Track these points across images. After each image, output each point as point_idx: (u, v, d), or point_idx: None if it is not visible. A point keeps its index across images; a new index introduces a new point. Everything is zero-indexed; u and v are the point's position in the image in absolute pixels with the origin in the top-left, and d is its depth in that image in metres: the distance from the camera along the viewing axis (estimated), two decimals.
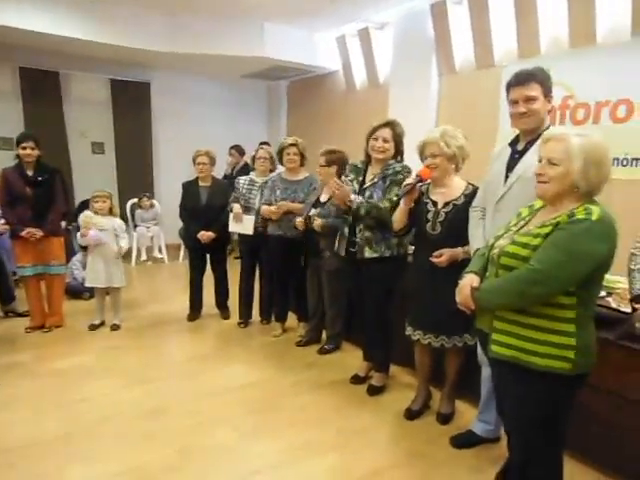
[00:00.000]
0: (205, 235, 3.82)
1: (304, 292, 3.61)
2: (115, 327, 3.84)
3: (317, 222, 3.10)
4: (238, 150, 6.36)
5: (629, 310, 1.99)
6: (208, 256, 4.07)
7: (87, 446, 2.32)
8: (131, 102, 6.44)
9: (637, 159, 3.43)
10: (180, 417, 2.60)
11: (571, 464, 1.65)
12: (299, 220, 3.25)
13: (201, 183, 3.93)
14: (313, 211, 3.23)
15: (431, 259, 2.28)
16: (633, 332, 1.89)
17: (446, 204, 2.33)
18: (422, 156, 2.37)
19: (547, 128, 1.99)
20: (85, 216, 3.62)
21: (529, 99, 1.92)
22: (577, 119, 3.75)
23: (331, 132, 6.07)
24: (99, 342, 3.60)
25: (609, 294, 2.21)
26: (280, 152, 3.56)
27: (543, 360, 1.46)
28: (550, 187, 1.48)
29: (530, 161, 1.89)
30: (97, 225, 3.59)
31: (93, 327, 3.82)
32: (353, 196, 2.65)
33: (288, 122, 7.44)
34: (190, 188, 3.95)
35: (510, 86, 1.99)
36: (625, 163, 3.49)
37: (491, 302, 1.56)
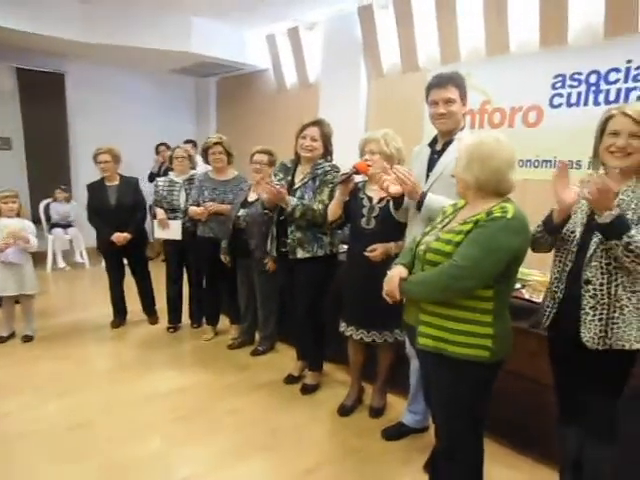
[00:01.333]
0: (121, 237, 3.61)
1: (236, 294, 3.54)
2: (27, 338, 3.53)
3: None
4: (168, 148, 6.10)
5: (540, 300, 2.15)
6: (126, 260, 3.87)
7: (1, 467, 2.12)
8: (43, 94, 5.96)
9: (547, 161, 3.72)
10: (104, 429, 2.45)
11: (491, 446, 1.75)
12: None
13: (108, 183, 3.71)
14: (242, 211, 3.18)
15: (365, 253, 2.33)
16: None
17: (381, 200, 2.39)
18: (361, 153, 2.42)
19: (462, 129, 2.11)
20: (9, 228, 3.29)
21: (448, 101, 2.03)
22: (494, 123, 4.00)
23: (262, 131, 6.01)
24: (9, 356, 3.29)
25: (523, 286, 2.37)
26: (205, 151, 3.44)
27: (464, 349, 1.54)
28: (459, 185, 1.61)
29: (447, 160, 2.00)
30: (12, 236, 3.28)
31: (1, 339, 3.48)
32: (288, 197, 2.64)
33: (218, 120, 7.27)
34: (96, 189, 3.72)
35: (430, 88, 2.09)
36: (537, 165, 3.77)
37: (417, 294, 1.62)
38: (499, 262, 1.49)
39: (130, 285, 3.95)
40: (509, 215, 1.49)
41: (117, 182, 3.73)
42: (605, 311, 1.56)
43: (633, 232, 1.45)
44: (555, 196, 1.62)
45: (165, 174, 3.89)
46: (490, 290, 1.53)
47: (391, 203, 2.22)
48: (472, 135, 1.65)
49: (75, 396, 2.77)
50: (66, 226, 5.87)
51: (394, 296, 1.66)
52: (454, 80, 2.05)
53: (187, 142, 4.72)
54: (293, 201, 2.64)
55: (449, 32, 4.16)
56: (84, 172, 6.32)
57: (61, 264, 5.76)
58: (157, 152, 6.22)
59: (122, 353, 3.47)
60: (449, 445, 1.70)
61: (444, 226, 1.66)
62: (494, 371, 1.61)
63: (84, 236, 5.87)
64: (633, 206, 1.53)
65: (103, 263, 5.79)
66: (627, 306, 1.55)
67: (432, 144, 2.18)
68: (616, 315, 1.55)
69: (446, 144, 2.10)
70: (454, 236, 1.55)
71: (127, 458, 2.22)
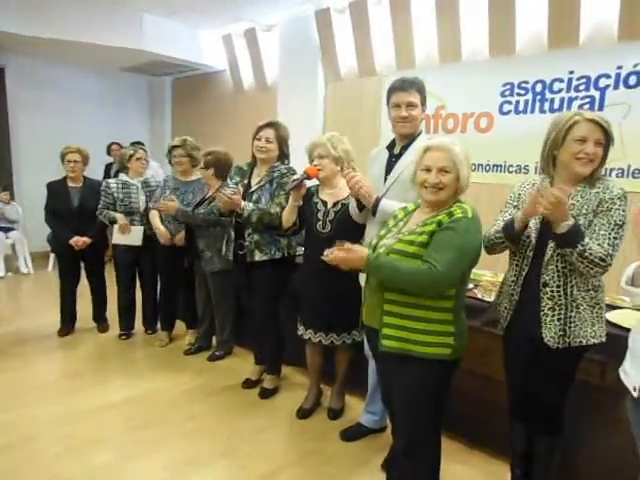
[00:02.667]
0: (80, 241, 3.46)
1: (192, 298, 3.46)
2: None
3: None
4: (121, 147, 5.87)
5: (492, 299, 2.22)
6: (82, 264, 3.69)
7: None
8: None
9: (497, 165, 3.88)
10: (50, 444, 2.31)
11: (444, 443, 1.78)
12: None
13: (71, 184, 3.54)
14: (196, 211, 3.11)
15: (322, 258, 2.32)
16: (495, 319, 2.12)
17: (335, 204, 2.40)
18: (311, 158, 2.42)
19: (419, 134, 2.15)
20: None
21: (410, 105, 2.05)
22: (448, 128, 4.13)
23: (219, 133, 5.92)
24: None
25: (475, 286, 2.45)
26: (170, 153, 3.37)
27: (430, 348, 1.57)
28: (445, 192, 1.59)
29: (405, 163, 2.02)
30: None
31: None
32: (243, 203, 2.60)
33: (173, 120, 7.10)
34: (58, 189, 3.53)
35: (393, 90, 2.09)
36: (488, 169, 3.93)
37: (383, 274, 1.57)
38: (469, 262, 1.56)
39: (78, 291, 3.77)
40: (469, 215, 1.55)
41: (81, 184, 3.56)
42: (563, 311, 1.64)
43: (587, 240, 1.53)
44: (528, 210, 1.62)
45: (116, 175, 3.73)
46: (453, 289, 1.58)
47: (355, 203, 2.21)
48: (452, 142, 1.60)
49: (18, 410, 2.60)
50: (8, 229, 5.53)
51: (343, 255, 1.62)
52: (416, 85, 2.08)
53: (134, 144, 4.43)
54: (249, 206, 2.60)
55: (404, 39, 4.26)
56: (27, 172, 6.03)
57: (0, 272, 5.38)
58: (109, 152, 5.98)
59: (71, 362, 3.30)
60: (410, 444, 1.71)
61: (400, 229, 1.68)
62: (454, 368, 1.66)
63: (28, 240, 5.57)
64: (584, 211, 1.61)
65: (50, 268, 5.60)
66: (582, 305, 1.64)
67: (390, 147, 2.20)
68: (573, 314, 1.64)
69: (404, 148, 2.12)
70: (416, 237, 1.57)
71: (77, 474, 2.11)
